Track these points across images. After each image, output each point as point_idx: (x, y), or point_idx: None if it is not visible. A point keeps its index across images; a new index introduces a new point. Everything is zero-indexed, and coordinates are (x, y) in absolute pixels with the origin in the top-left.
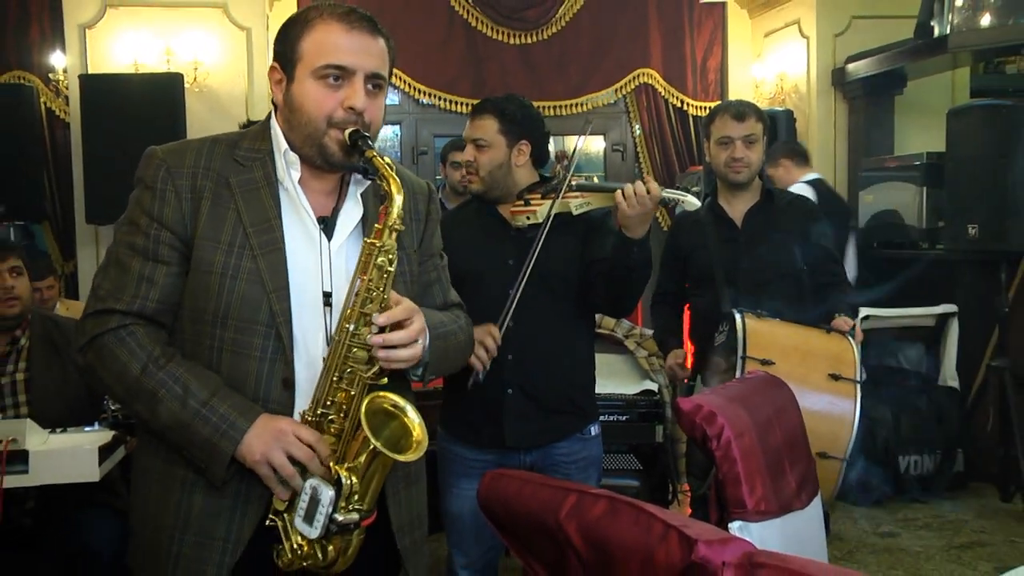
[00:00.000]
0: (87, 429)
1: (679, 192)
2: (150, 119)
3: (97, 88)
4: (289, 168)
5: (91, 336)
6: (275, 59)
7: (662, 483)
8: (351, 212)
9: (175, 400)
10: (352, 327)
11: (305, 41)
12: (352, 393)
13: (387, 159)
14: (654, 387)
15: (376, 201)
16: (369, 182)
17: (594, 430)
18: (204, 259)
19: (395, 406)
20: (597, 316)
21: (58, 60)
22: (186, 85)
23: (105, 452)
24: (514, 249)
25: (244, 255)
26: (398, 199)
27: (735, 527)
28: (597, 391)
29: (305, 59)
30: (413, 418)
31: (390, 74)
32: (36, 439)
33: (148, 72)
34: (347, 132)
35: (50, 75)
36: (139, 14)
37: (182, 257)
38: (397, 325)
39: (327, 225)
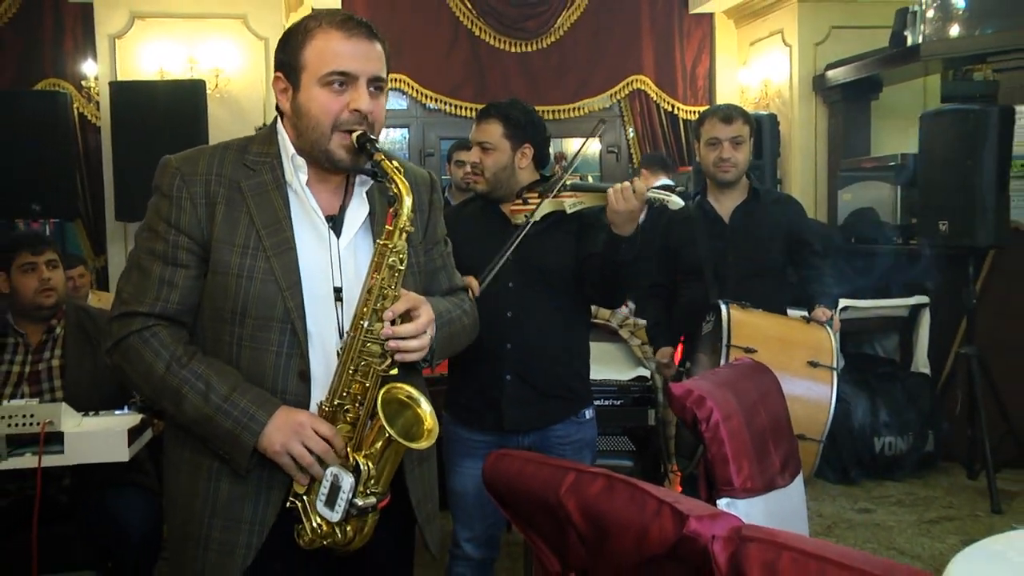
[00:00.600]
0: (117, 413)
1: (663, 193)
2: (175, 123)
3: (126, 94)
4: (297, 171)
5: (117, 338)
6: (278, 69)
7: (654, 463)
8: (358, 210)
9: (198, 396)
10: (366, 324)
11: (307, 50)
12: (367, 385)
13: (395, 161)
14: (646, 373)
15: (381, 198)
16: (373, 180)
17: (588, 414)
18: (221, 261)
19: (409, 396)
20: (593, 307)
21: (90, 68)
22: (208, 91)
23: (134, 434)
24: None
25: (258, 255)
26: (407, 201)
27: (723, 503)
28: (593, 377)
29: (309, 67)
30: (425, 408)
31: (387, 75)
32: (71, 422)
33: (173, 79)
34: (354, 135)
35: (82, 82)
36: (164, 25)
37: (200, 260)
38: (406, 317)
39: (335, 223)
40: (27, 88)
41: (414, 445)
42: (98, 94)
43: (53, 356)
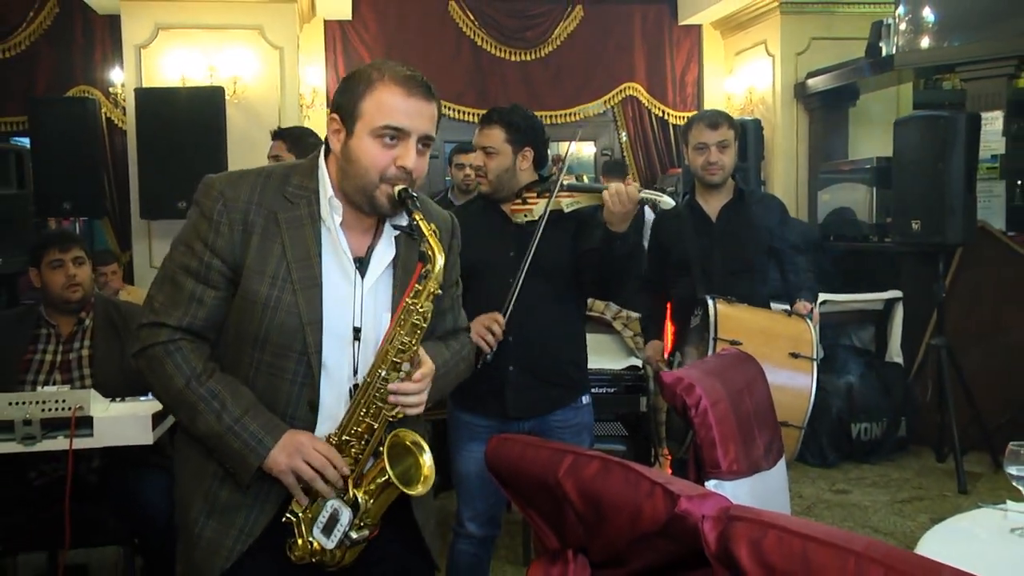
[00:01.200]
0: (142, 399)
1: (655, 193)
2: (195, 127)
3: (150, 100)
4: (333, 212)
5: (144, 345)
6: (335, 111)
7: (645, 448)
8: (384, 252)
9: (212, 414)
10: (383, 373)
11: (367, 101)
12: (374, 426)
13: (433, 225)
14: (638, 363)
15: (407, 244)
16: (407, 235)
17: (585, 400)
18: (250, 289)
19: (415, 443)
20: (588, 300)
21: (117, 76)
22: (227, 97)
23: (157, 419)
24: (514, 243)
25: (286, 288)
26: (440, 261)
27: (711, 485)
28: (588, 366)
29: (365, 117)
30: (426, 459)
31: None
32: (99, 407)
33: (194, 86)
34: (397, 189)
35: (110, 89)
36: (186, 35)
37: (229, 283)
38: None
39: (362, 264)
40: (59, 95)
41: (410, 491)
42: (124, 100)
43: (83, 346)
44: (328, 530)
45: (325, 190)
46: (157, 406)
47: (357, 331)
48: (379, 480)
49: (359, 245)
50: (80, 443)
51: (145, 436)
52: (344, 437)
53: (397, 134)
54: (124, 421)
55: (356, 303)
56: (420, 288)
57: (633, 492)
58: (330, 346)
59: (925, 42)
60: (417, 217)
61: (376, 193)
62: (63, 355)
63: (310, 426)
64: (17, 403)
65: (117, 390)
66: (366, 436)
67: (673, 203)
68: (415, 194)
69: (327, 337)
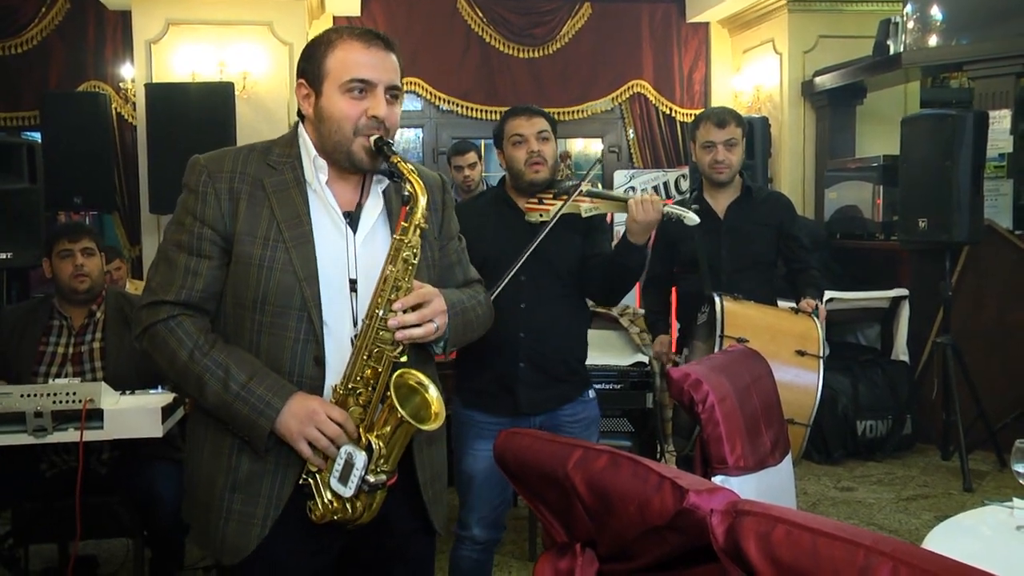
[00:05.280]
0: (152, 392)
1: (681, 209)
2: (205, 122)
3: (160, 95)
4: (318, 172)
5: (145, 326)
6: (301, 76)
7: (651, 444)
8: (374, 207)
9: (218, 383)
10: (381, 313)
11: (330, 59)
12: (379, 370)
13: (409, 164)
14: (645, 359)
15: (396, 196)
16: (389, 180)
17: (591, 393)
18: (244, 252)
19: (419, 383)
20: None
21: (127, 71)
22: (236, 93)
23: (167, 412)
24: (527, 239)
25: (278, 247)
26: (422, 200)
27: (717, 481)
28: (594, 362)
29: (331, 75)
30: (433, 394)
31: (402, 83)
32: (109, 400)
33: (204, 81)
34: (372, 139)
35: (120, 84)
36: (196, 31)
37: (223, 252)
38: (418, 306)
39: (352, 219)
40: (70, 90)
41: (423, 427)
42: (135, 95)
43: (94, 339)
44: (344, 477)
45: (308, 152)
46: (167, 399)
47: (353, 283)
48: (390, 422)
49: (348, 202)
50: (91, 435)
51: (155, 429)
52: (350, 385)
53: (364, 86)
54: (134, 414)
55: (350, 256)
56: (406, 224)
57: (642, 486)
58: (328, 299)
59: (933, 40)
60: (395, 160)
61: (353, 147)
62: (75, 347)
63: (318, 382)
64: (28, 395)
65: (128, 383)
66: (372, 382)
67: (698, 220)
68: (390, 142)
69: (324, 290)
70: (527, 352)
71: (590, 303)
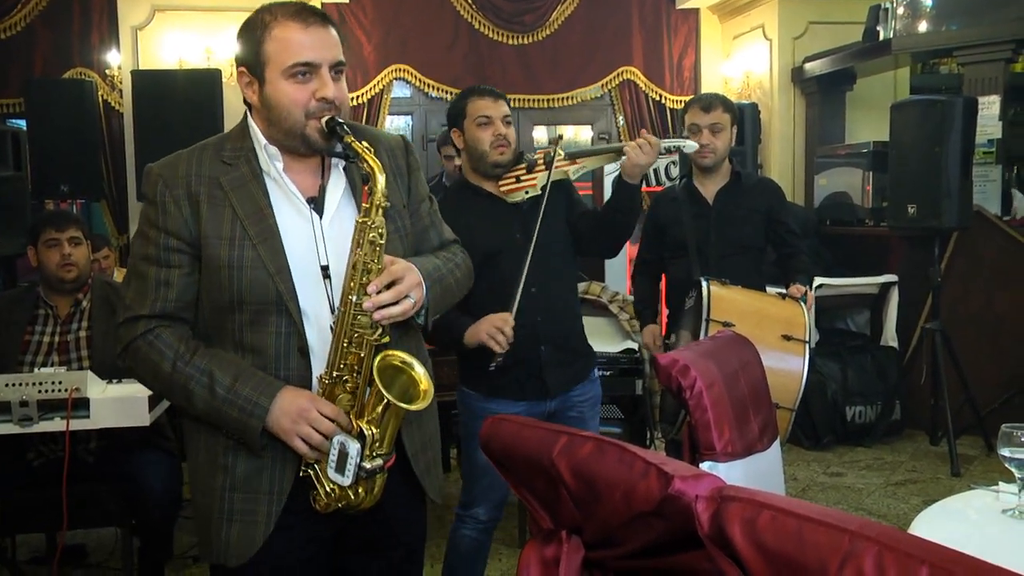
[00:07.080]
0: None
1: (678, 140)
2: (192, 109)
3: (147, 82)
4: (272, 160)
5: (125, 343)
6: (240, 64)
7: (641, 430)
8: (336, 188)
9: (204, 389)
10: (355, 298)
11: (267, 44)
12: (362, 355)
13: (364, 140)
14: (634, 346)
15: (358, 171)
16: (346, 161)
17: (596, 372)
18: (212, 256)
19: (403, 362)
20: (583, 284)
21: (113, 58)
22: (224, 80)
23: (154, 400)
24: (518, 223)
25: (245, 246)
26: (380, 179)
27: (705, 466)
28: None
29: (272, 61)
30: (419, 371)
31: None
32: (96, 389)
33: (191, 68)
34: (324, 120)
35: (106, 71)
36: (183, 17)
37: (192, 258)
38: (392, 283)
39: (316, 203)
40: (56, 76)
41: (412, 407)
42: (121, 82)
43: (80, 328)
44: (341, 467)
45: (259, 142)
46: None
47: (325, 268)
48: (379, 406)
49: (310, 187)
50: (77, 424)
51: (142, 418)
52: (335, 374)
53: (307, 68)
54: (121, 403)
55: (319, 242)
56: (368, 206)
57: (627, 472)
58: (304, 289)
59: (923, 26)
60: (348, 139)
61: (306, 131)
62: (61, 336)
63: (305, 373)
64: (14, 384)
65: (114, 371)
66: (356, 368)
67: (697, 145)
68: (342, 120)
69: (299, 281)
70: (547, 334)
71: (580, 288)
